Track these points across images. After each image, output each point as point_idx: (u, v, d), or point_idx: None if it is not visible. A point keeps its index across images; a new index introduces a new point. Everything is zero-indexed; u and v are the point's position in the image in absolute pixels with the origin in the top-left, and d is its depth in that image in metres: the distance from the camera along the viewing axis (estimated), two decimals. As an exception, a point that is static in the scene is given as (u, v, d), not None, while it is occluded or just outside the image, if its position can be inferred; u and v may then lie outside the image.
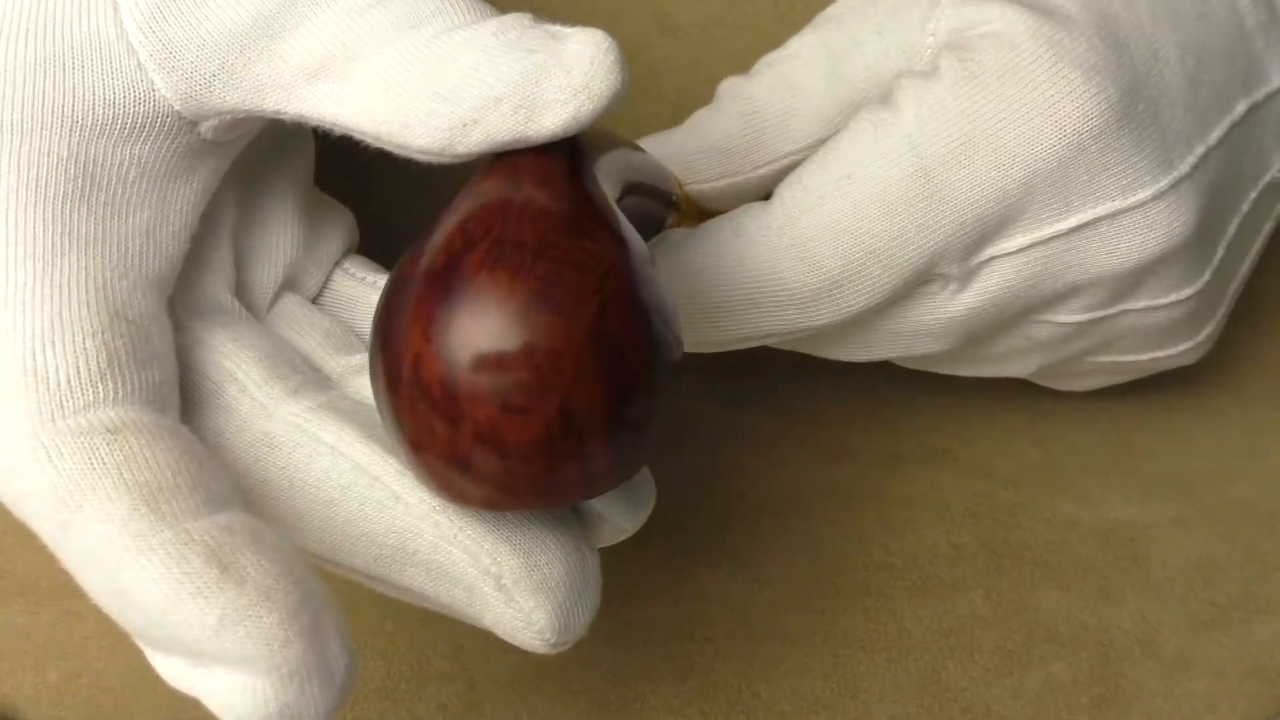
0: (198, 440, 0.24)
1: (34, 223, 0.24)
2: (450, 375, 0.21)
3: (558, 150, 0.24)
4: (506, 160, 0.23)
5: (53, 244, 0.24)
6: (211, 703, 0.22)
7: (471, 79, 0.23)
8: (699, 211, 0.33)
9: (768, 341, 0.31)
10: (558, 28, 0.24)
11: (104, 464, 0.22)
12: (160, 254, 0.25)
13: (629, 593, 0.34)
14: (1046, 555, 0.36)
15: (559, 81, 0.23)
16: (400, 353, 0.22)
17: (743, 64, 0.34)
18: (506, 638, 0.25)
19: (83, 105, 0.24)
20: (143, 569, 0.21)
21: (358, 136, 0.25)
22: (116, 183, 0.25)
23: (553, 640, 0.24)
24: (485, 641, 0.33)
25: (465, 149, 0.24)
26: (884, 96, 0.31)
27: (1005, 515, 0.37)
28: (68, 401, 0.23)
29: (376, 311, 0.23)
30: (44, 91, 0.24)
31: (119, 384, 0.23)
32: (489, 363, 0.21)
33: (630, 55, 0.36)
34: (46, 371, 0.23)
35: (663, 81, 0.36)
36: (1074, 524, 0.36)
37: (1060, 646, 0.33)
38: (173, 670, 0.23)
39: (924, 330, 0.32)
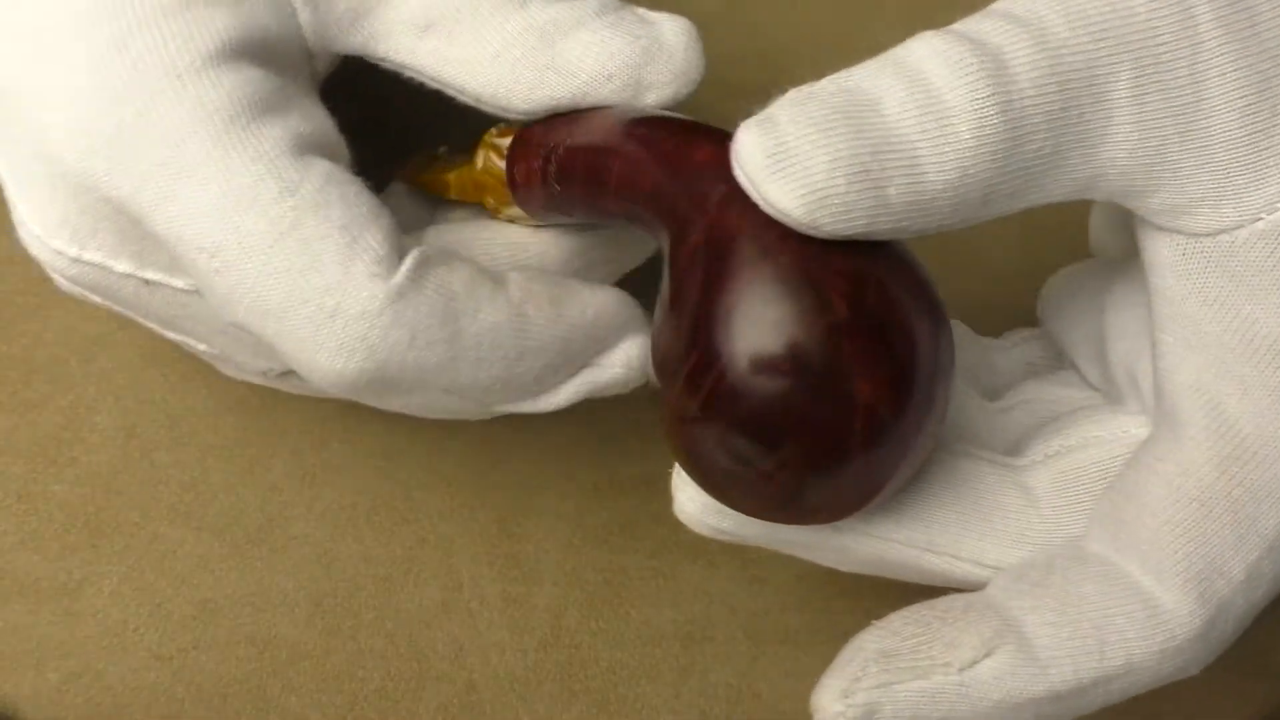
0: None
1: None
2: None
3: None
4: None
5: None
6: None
7: (586, 56, 0.26)
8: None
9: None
10: (644, 11, 0.27)
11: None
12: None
13: (629, 593, 0.34)
14: (1046, 555, 0.35)
15: (663, 65, 0.26)
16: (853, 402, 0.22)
17: (743, 64, 0.34)
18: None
19: (259, 34, 0.26)
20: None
21: (452, 93, 0.27)
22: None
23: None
24: (485, 642, 0.33)
25: (556, 111, 0.27)
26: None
27: (1005, 515, 0.37)
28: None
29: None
30: (228, 17, 0.26)
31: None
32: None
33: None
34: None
35: (663, 81, 0.36)
36: (1074, 524, 0.36)
37: (1060, 646, 0.33)
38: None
39: None
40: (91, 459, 0.34)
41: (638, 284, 0.29)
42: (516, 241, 0.29)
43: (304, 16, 0.27)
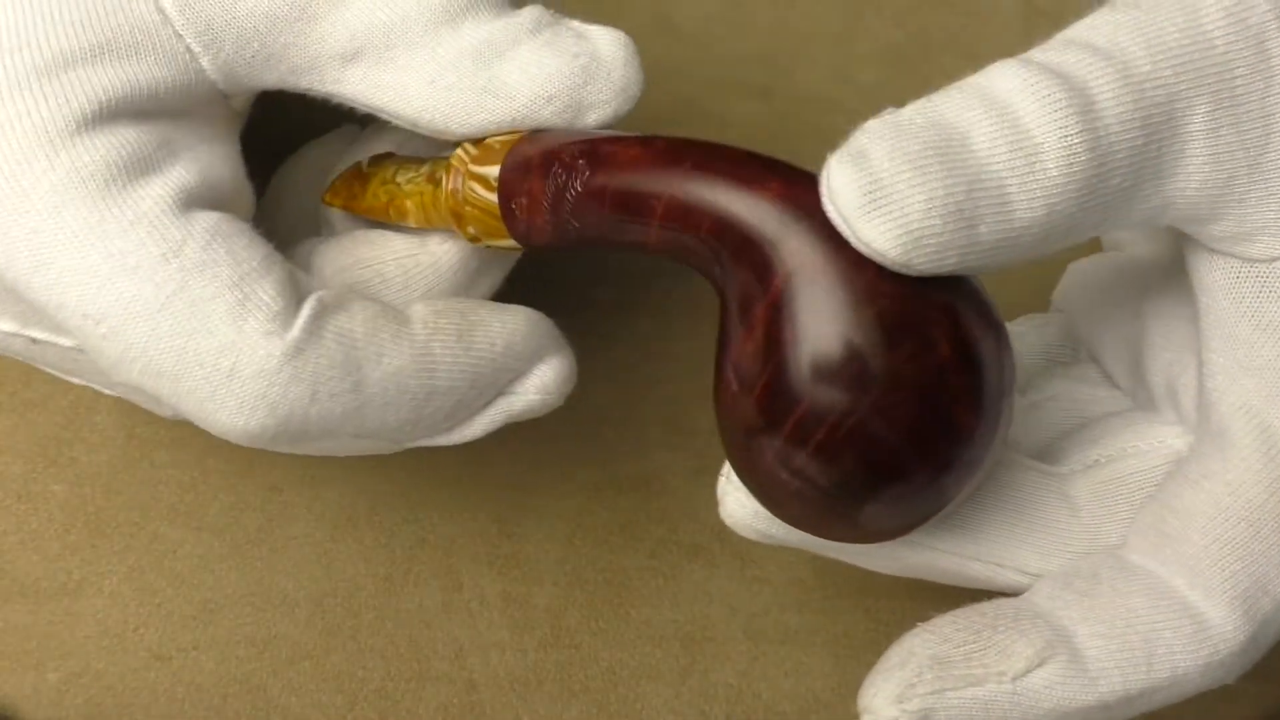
0: None
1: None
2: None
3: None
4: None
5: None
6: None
7: (524, 79, 0.26)
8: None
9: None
10: (578, 24, 0.26)
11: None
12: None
13: (629, 593, 0.34)
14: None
15: (602, 84, 0.26)
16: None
17: (743, 64, 0.34)
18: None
19: (147, 88, 0.25)
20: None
21: (388, 118, 0.27)
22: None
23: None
24: (485, 641, 0.33)
25: (500, 133, 0.26)
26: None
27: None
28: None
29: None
30: (108, 76, 0.25)
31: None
32: None
33: (630, 55, 0.36)
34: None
35: (663, 81, 0.36)
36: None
37: (1060, 646, 0.33)
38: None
39: None
40: (91, 459, 0.34)
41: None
42: (405, 254, 0.28)
43: (206, 61, 0.26)
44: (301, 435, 0.25)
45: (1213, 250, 0.24)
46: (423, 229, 0.28)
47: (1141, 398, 0.28)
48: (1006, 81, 0.22)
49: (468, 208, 0.27)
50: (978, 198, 0.21)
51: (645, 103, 0.36)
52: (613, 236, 0.25)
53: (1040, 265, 0.30)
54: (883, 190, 0.21)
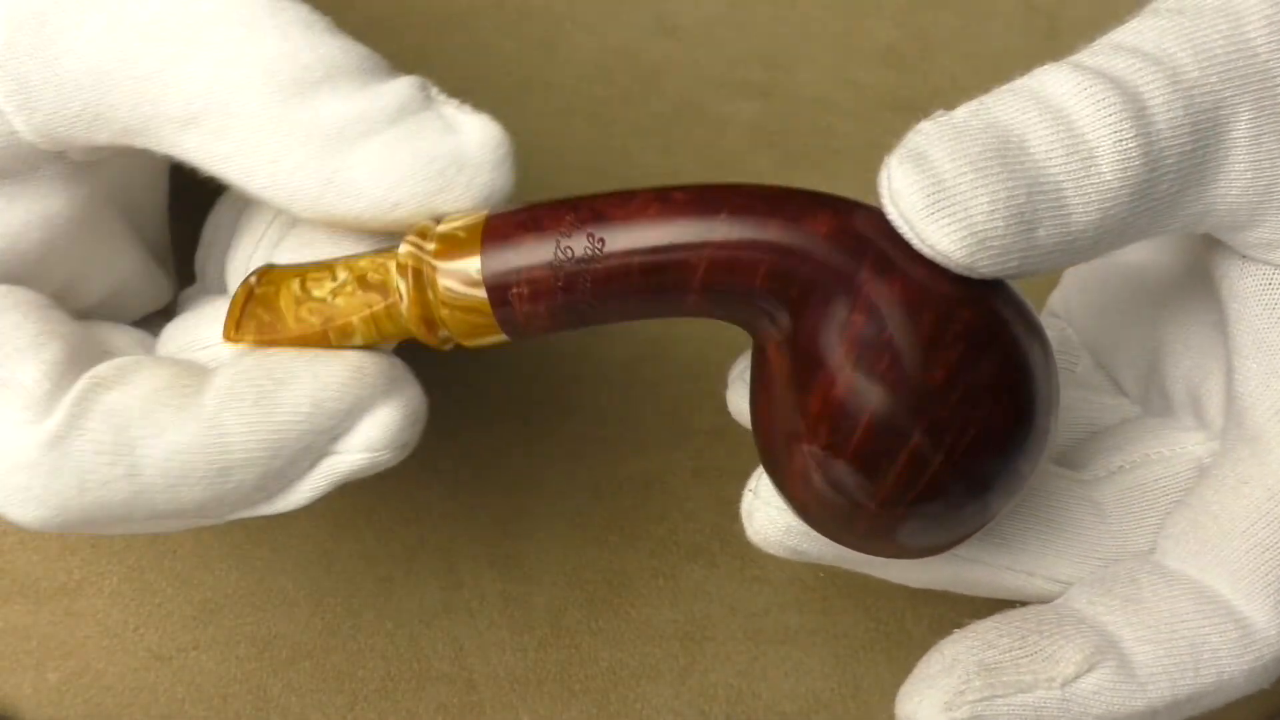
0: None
1: None
2: None
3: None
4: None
5: None
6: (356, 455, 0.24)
7: (370, 179, 0.23)
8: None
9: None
10: (451, 111, 0.23)
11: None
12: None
13: (629, 593, 0.34)
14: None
15: (460, 192, 0.23)
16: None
17: (743, 64, 0.34)
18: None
19: None
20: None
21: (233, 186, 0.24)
22: None
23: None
24: (485, 641, 0.33)
25: (386, 225, 0.23)
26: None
27: (1005, 515, 0.37)
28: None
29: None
30: None
31: None
32: None
33: (630, 55, 0.36)
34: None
35: (663, 81, 0.36)
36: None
37: (1060, 646, 0.33)
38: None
39: None
40: (91, 459, 0.34)
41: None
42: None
43: (18, 122, 0.23)
44: (89, 523, 0.23)
45: (1246, 257, 0.24)
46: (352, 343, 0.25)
47: (1157, 405, 0.28)
48: (1060, 85, 0.22)
49: (444, 310, 0.23)
50: (1037, 200, 0.21)
51: (645, 103, 0.36)
52: (641, 310, 0.23)
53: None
54: (946, 192, 0.20)
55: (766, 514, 0.25)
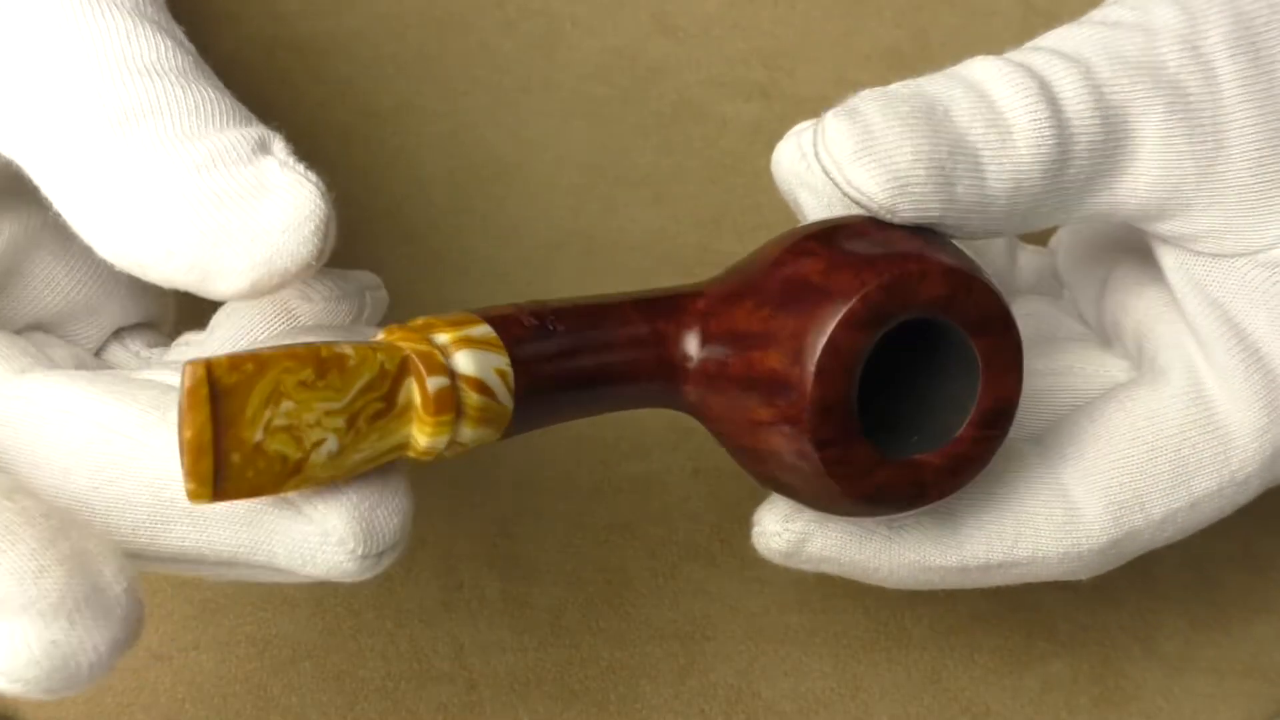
0: None
1: None
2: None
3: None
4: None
5: None
6: None
7: (153, 221, 0.21)
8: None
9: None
10: (274, 171, 0.22)
11: None
12: None
13: (629, 593, 0.34)
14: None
15: (238, 252, 0.21)
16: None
17: (743, 64, 0.34)
18: (309, 570, 0.22)
19: None
20: None
21: None
22: None
23: (359, 550, 0.22)
24: (485, 641, 0.33)
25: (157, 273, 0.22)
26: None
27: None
28: None
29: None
30: None
31: None
32: None
33: (630, 55, 0.36)
34: None
35: (663, 81, 0.36)
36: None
37: (1060, 646, 0.33)
38: None
39: None
40: (91, 459, 0.34)
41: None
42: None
43: None
44: None
45: (1164, 240, 0.26)
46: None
47: (1101, 335, 0.30)
48: (984, 71, 0.24)
49: (475, 426, 0.24)
50: (957, 159, 0.23)
51: (645, 103, 0.36)
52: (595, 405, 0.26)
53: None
54: (874, 139, 0.23)
55: (774, 527, 0.26)
